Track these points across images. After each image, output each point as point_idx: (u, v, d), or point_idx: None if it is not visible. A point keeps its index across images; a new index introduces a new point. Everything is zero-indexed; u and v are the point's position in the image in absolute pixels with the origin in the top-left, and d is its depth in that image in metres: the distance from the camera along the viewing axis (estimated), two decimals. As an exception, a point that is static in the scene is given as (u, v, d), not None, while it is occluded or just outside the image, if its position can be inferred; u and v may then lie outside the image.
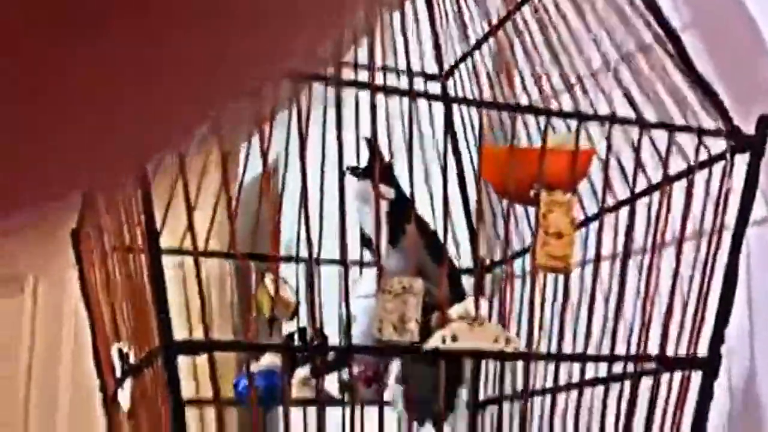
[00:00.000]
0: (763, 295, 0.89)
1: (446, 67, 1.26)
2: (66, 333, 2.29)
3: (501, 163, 0.80)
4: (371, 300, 0.74)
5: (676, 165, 0.89)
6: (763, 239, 0.90)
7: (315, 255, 1.02)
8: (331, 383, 1.02)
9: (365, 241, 0.88)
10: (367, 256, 0.91)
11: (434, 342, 0.72)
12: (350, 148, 1.03)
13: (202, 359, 0.73)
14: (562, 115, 0.80)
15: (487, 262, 1.19)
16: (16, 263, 2.46)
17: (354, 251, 0.90)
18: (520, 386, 0.93)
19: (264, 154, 0.72)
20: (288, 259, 0.93)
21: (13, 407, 2.39)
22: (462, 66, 1.22)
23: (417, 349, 0.72)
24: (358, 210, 0.87)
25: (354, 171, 0.91)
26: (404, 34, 1.03)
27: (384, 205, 0.83)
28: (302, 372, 1.00)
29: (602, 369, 0.85)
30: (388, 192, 0.87)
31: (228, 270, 1.29)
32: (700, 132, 0.85)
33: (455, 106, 1.21)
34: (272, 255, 0.72)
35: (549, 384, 0.81)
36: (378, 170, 0.80)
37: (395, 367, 0.97)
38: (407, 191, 0.87)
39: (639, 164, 0.83)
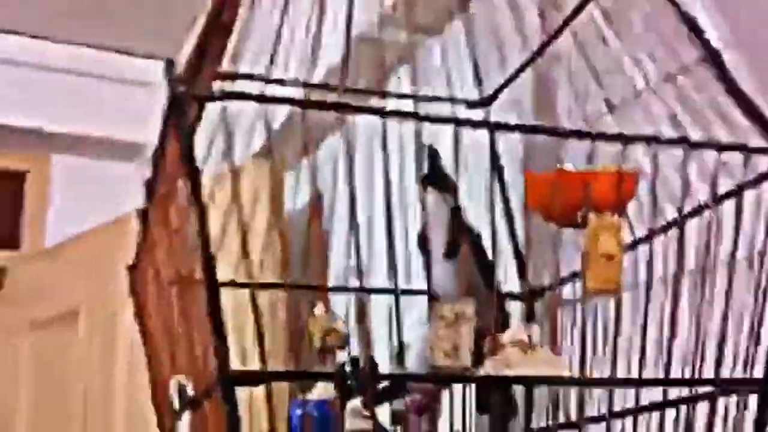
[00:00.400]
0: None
1: (487, 94, 1.28)
2: (119, 368, 2.33)
3: (546, 187, 0.81)
4: (424, 327, 0.75)
5: (725, 185, 0.89)
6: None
7: (365, 284, 1.04)
8: (383, 414, 1.02)
9: (421, 242, 0.89)
10: (417, 283, 0.92)
11: (487, 368, 0.72)
12: (395, 178, 1.05)
13: (257, 393, 0.75)
14: (606, 138, 0.81)
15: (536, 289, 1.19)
16: (71, 298, 2.52)
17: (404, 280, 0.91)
18: (572, 415, 0.94)
19: (313, 184, 0.73)
20: (338, 289, 0.94)
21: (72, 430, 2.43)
22: (504, 94, 1.24)
23: (470, 377, 0.72)
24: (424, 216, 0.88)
25: (425, 179, 0.93)
26: (445, 61, 1.05)
27: (445, 212, 0.84)
28: (354, 403, 1.01)
29: (656, 395, 0.84)
30: (450, 200, 0.89)
31: (278, 300, 1.31)
32: (748, 150, 0.85)
33: (498, 134, 1.22)
34: (322, 285, 0.73)
35: (603, 411, 0.81)
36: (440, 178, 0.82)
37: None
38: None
39: (686, 184, 0.83)
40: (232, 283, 0.79)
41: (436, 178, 0.88)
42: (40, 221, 3.03)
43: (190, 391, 0.78)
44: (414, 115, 0.76)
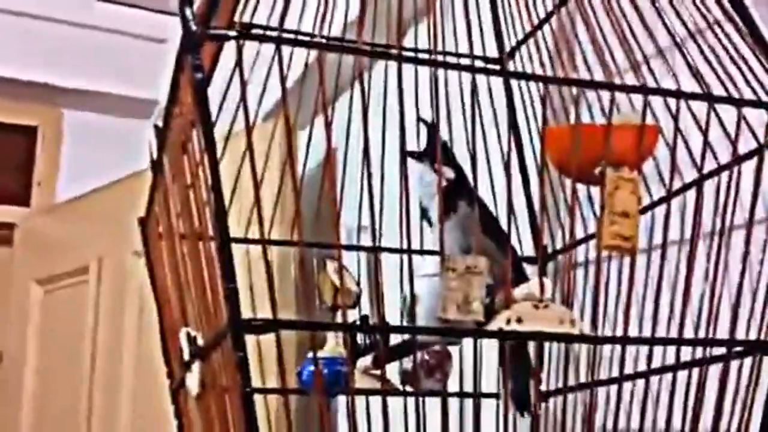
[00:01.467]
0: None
1: (507, 49, 1.27)
2: (128, 318, 2.36)
3: (564, 141, 0.81)
4: (434, 280, 0.75)
5: (746, 146, 0.88)
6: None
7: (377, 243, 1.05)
8: (393, 374, 1.03)
9: (423, 214, 0.90)
10: (427, 239, 0.93)
11: (498, 323, 0.73)
12: (411, 133, 1.05)
13: (267, 347, 0.75)
14: (626, 89, 0.80)
15: (550, 249, 1.19)
16: (81, 254, 2.54)
17: (416, 239, 0.92)
18: (582, 377, 0.94)
19: (328, 140, 0.74)
20: (350, 247, 0.95)
21: (78, 393, 2.47)
22: (524, 49, 1.23)
23: (480, 331, 0.73)
24: (418, 188, 0.89)
25: (412, 155, 0.94)
26: (465, 16, 1.04)
27: (443, 183, 0.85)
28: (364, 362, 1.02)
29: (669, 359, 0.85)
30: (448, 172, 0.89)
31: (290, 257, 1.32)
32: (771, 107, 0.84)
33: (515, 87, 1.22)
34: (335, 243, 0.74)
35: (614, 374, 0.82)
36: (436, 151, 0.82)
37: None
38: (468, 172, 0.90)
39: (707, 140, 0.83)
40: (244, 240, 0.80)
41: (431, 152, 0.88)
42: (50, 177, 3.05)
43: (200, 341, 0.79)
44: (430, 62, 0.75)
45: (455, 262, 0.72)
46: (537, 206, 1.24)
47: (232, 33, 0.67)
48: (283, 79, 0.68)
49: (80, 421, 2.44)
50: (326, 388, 0.90)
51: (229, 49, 0.73)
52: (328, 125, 0.68)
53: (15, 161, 3.06)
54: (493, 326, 0.73)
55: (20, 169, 3.06)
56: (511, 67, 1.26)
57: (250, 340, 0.68)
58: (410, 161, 0.93)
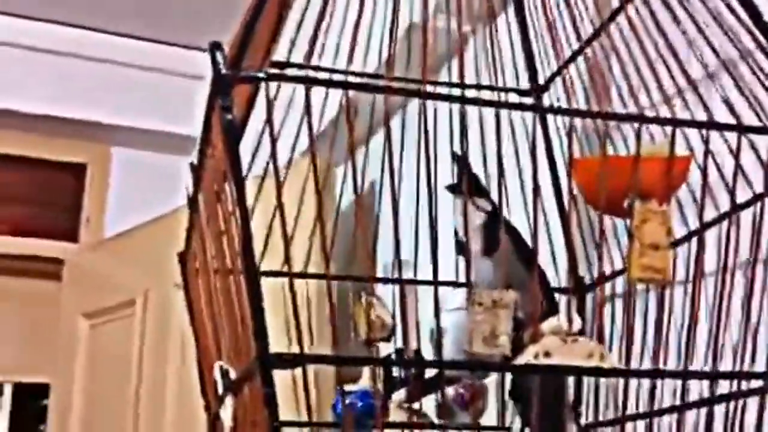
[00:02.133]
0: None
1: (541, 82, 1.28)
2: (172, 351, 2.39)
3: (593, 173, 0.81)
4: (462, 313, 0.76)
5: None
6: None
7: (409, 276, 1.06)
8: (431, 407, 1.04)
9: (459, 248, 0.91)
10: (460, 273, 0.93)
11: (526, 357, 0.73)
12: (446, 168, 1.06)
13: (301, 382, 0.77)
14: (655, 121, 0.81)
15: (587, 281, 1.19)
16: (127, 289, 2.59)
17: (448, 272, 0.93)
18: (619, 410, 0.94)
19: (355, 176, 0.75)
20: (378, 279, 0.96)
21: (123, 425, 2.51)
22: (558, 82, 1.24)
23: (509, 365, 0.73)
24: (456, 221, 0.90)
25: (451, 188, 0.95)
26: (494, 49, 1.05)
27: (480, 217, 0.85)
28: (399, 395, 1.02)
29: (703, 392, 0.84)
30: (485, 205, 0.90)
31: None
32: (803, 137, 0.84)
33: (551, 120, 1.23)
34: (368, 276, 0.75)
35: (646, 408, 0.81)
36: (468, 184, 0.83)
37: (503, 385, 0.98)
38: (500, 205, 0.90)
39: (737, 170, 0.82)
40: (271, 272, 0.81)
41: (462, 185, 0.89)
42: (99, 213, 3.12)
43: (232, 375, 0.80)
44: (457, 99, 0.77)
45: (482, 296, 0.73)
46: (575, 238, 1.24)
47: (261, 75, 0.69)
48: (310, 120, 0.69)
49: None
50: (357, 421, 0.91)
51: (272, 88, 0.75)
52: (354, 169, 0.69)
53: (64, 198, 3.15)
54: (521, 360, 0.74)
55: (69, 206, 3.14)
56: (545, 99, 1.27)
57: (285, 373, 0.69)
58: (448, 195, 0.94)
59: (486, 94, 1.17)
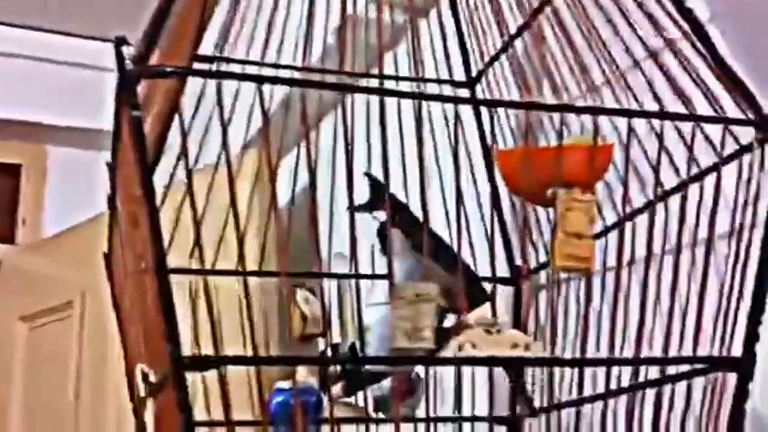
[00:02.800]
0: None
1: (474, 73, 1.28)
2: (111, 352, 2.34)
3: (517, 163, 0.81)
4: (385, 308, 0.75)
5: (706, 160, 0.88)
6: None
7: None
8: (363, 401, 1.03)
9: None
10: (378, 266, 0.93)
11: (451, 349, 0.72)
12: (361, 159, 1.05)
13: (236, 378, 0.75)
14: (576, 110, 0.81)
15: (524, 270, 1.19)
16: (65, 290, 2.54)
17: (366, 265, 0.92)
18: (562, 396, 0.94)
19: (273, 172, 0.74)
20: (301, 274, 0.95)
21: (63, 427, 2.46)
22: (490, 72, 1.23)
23: (432, 358, 0.73)
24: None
25: (358, 209, 0.95)
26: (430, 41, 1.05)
27: (375, 226, 0.86)
28: (335, 390, 1.01)
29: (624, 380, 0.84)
30: (379, 215, 0.89)
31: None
32: (726, 121, 0.85)
33: (484, 110, 1.22)
34: (282, 272, 0.73)
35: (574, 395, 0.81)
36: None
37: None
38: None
39: (659, 160, 0.83)
40: (184, 270, 0.80)
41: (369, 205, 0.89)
42: (36, 214, 3.05)
43: (152, 378, 0.78)
44: (375, 90, 0.76)
45: (404, 290, 0.72)
46: (510, 228, 1.24)
47: (168, 69, 0.67)
48: (222, 115, 0.68)
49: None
50: (275, 419, 0.90)
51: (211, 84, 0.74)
52: (272, 178, 0.68)
53: (0, 199, 3.07)
54: (445, 353, 0.73)
55: (5, 207, 3.07)
56: (479, 89, 1.27)
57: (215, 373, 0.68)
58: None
59: (411, 86, 1.16)
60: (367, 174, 0.92)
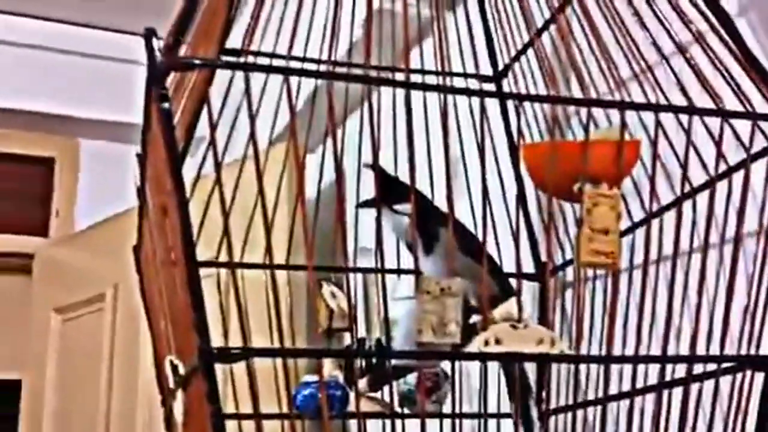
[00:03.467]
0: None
1: (501, 68, 1.27)
2: (143, 344, 2.36)
3: (541, 158, 0.80)
4: (412, 302, 0.75)
5: (734, 157, 0.87)
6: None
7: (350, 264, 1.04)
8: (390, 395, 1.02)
9: (408, 248, 0.90)
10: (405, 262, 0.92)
11: (476, 344, 0.72)
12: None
13: (264, 370, 0.75)
14: (602, 104, 0.80)
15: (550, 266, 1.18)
16: (98, 283, 2.56)
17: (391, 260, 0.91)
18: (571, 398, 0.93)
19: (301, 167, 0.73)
20: (327, 268, 0.94)
21: (95, 418, 2.48)
22: (517, 67, 1.22)
23: (457, 353, 0.72)
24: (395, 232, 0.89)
25: (364, 205, 0.93)
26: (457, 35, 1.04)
27: (406, 221, 0.84)
28: (362, 385, 1.01)
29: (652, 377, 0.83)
30: (405, 208, 0.88)
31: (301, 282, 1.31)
32: (755, 117, 0.83)
33: (510, 105, 1.21)
34: (309, 265, 0.73)
35: (600, 393, 0.80)
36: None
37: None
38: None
39: (687, 155, 0.81)
40: (212, 263, 0.80)
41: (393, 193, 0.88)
42: (68, 207, 3.08)
43: (181, 370, 0.79)
44: (401, 84, 0.75)
45: (429, 284, 0.71)
46: (535, 224, 1.23)
47: (198, 61, 0.67)
48: (250, 107, 0.67)
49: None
50: (318, 412, 0.89)
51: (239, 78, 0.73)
52: (300, 172, 0.67)
53: (33, 192, 3.10)
54: (471, 348, 0.72)
55: (38, 200, 3.10)
56: (505, 84, 1.26)
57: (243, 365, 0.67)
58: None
59: (437, 80, 1.16)
60: (366, 165, 0.91)
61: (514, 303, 0.76)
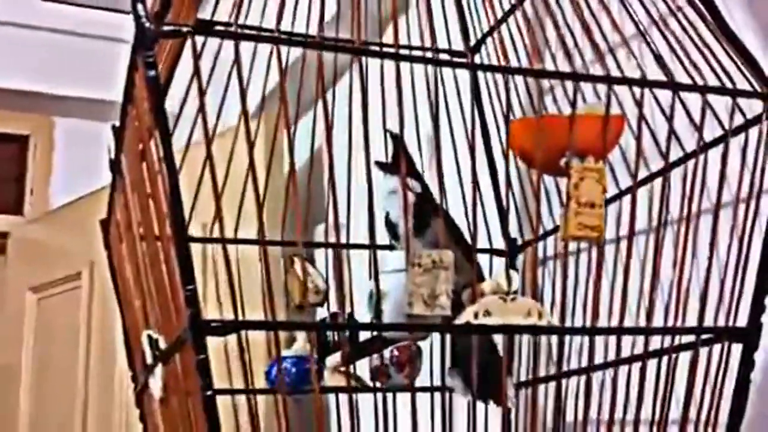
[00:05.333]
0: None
1: (473, 42, 1.22)
2: (120, 322, 2.29)
3: (530, 133, 0.76)
4: (401, 275, 0.70)
5: (711, 132, 0.84)
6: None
7: (344, 240, 0.99)
8: (365, 370, 0.98)
9: (391, 230, 0.85)
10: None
11: (466, 317, 0.68)
12: (377, 131, 0.99)
13: (234, 348, 0.70)
14: (590, 78, 0.76)
15: (519, 242, 1.15)
16: (73, 261, 2.47)
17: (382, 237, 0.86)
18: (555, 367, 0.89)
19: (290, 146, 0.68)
20: (316, 244, 0.90)
21: (73, 397, 2.41)
22: (490, 43, 1.18)
23: (450, 326, 0.68)
24: (385, 201, 0.84)
25: (381, 166, 0.89)
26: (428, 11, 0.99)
27: (411, 197, 0.80)
28: (333, 359, 0.96)
29: (638, 347, 0.80)
30: (415, 186, 0.84)
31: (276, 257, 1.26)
32: (735, 93, 0.80)
33: (482, 80, 1.17)
34: (299, 241, 0.68)
35: (584, 363, 0.77)
36: (404, 165, 0.78)
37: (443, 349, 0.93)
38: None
39: (671, 129, 0.78)
40: (203, 239, 0.74)
41: (397, 165, 0.83)
42: (43, 185, 2.98)
43: (162, 344, 0.73)
44: (391, 55, 0.70)
45: (421, 257, 0.67)
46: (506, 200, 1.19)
47: (185, 29, 0.61)
48: (240, 77, 0.62)
49: (75, 423, 2.38)
50: (292, 387, 0.85)
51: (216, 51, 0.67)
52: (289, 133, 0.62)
53: (8, 170, 2.99)
54: (461, 320, 0.68)
55: (13, 178, 2.99)
56: (477, 61, 1.21)
57: (216, 341, 0.63)
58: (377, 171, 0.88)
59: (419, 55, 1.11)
60: (389, 132, 0.86)
61: (503, 276, 0.72)
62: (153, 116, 0.60)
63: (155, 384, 0.74)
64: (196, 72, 0.60)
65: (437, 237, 0.74)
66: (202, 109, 0.60)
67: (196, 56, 0.61)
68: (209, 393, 0.60)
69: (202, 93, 0.62)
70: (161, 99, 0.60)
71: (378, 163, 0.84)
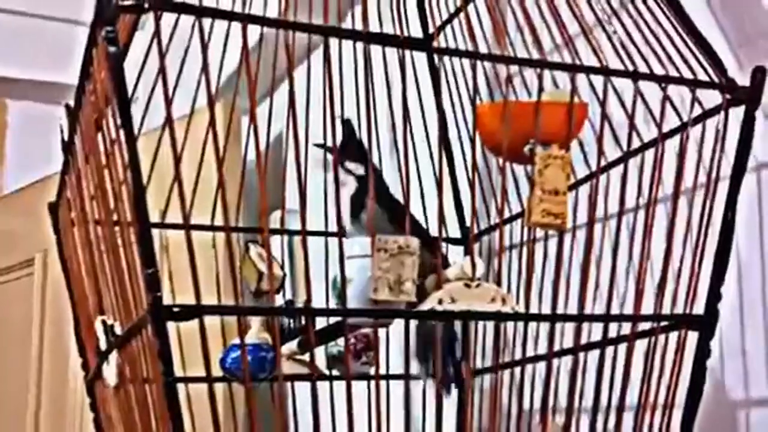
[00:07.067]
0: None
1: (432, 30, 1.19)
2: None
3: (495, 119, 0.73)
4: (365, 261, 0.67)
5: (670, 122, 0.83)
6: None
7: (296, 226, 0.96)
8: (320, 358, 0.95)
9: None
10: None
11: (431, 303, 0.65)
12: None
13: (188, 334, 0.66)
14: (555, 66, 0.73)
15: (476, 230, 1.12)
16: (27, 246, 2.38)
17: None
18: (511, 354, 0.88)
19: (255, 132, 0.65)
20: (275, 231, 0.86)
21: (26, 385, 2.32)
22: (449, 31, 1.15)
23: (414, 312, 0.65)
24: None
25: (324, 147, 0.86)
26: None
27: (352, 182, 0.77)
28: (289, 347, 0.93)
29: (596, 335, 0.79)
30: (357, 168, 0.81)
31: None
32: (695, 84, 0.79)
33: (442, 68, 1.14)
34: (260, 228, 0.65)
35: (543, 350, 0.75)
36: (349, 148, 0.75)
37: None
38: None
39: (633, 117, 0.76)
40: (165, 225, 0.70)
41: (349, 149, 0.80)
42: (-5, 168, 2.87)
43: (118, 330, 0.69)
44: (359, 34, 0.67)
45: (387, 243, 0.64)
46: (462, 186, 1.17)
47: (146, 4, 0.57)
48: (205, 54, 0.58)
49: (29, 411, 2.29)
50: (251, 375, 0.81)
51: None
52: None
53: (-42, 153, 2.87)
54: (425, 306, 0.66)
55: (-37, 161, 2.87)
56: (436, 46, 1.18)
57: (170, 328, 0.59)
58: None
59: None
60: (342, 119, 0.83)
61: (467, 262, 0.70)
62: (116, 94, 0.56)
63: (110, 371, 0.70)
64: (159, 49, 0.56)
65: (370, 221, 0.71)
66: (165, 86, 0.56)
67: (159, 31, 0.57)
68: (170, 379, 0.56)
69: (163, 72, 0.58)
70: (123, 76, 0.56)
71: (318, 145, 0.81)
